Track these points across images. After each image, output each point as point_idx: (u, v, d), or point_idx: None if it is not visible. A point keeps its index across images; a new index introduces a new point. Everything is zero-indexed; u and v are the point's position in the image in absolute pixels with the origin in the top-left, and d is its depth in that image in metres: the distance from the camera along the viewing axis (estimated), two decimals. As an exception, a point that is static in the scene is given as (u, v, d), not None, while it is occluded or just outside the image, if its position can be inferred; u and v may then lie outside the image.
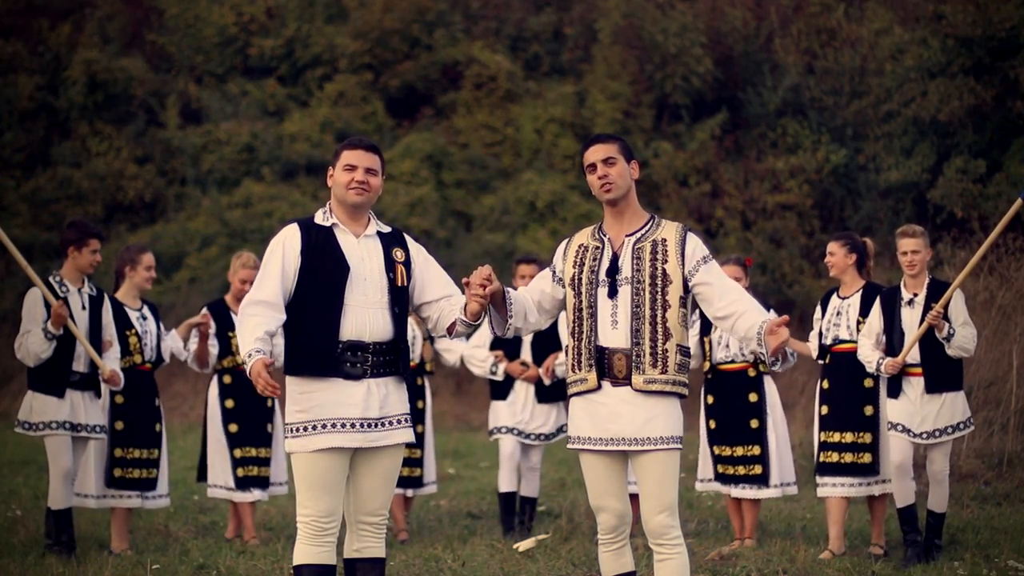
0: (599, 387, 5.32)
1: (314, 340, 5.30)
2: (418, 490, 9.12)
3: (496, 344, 9.12)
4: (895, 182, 19.92)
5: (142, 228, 20.97)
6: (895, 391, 7.92)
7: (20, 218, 20.52)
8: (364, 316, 5.33)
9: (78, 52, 21.94)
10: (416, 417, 8.84)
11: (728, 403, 8.45)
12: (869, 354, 7.93)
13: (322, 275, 5.34)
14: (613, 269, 5.36)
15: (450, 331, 5.48)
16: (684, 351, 5.37)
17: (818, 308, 8.39)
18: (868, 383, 8.11)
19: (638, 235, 5.40)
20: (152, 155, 21.86)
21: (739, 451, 8.43)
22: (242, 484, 8.74)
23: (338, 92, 22.03)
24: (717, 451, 8.51)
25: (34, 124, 21.65)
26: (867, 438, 8.08)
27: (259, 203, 20.57)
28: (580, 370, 5.37)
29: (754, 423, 8.41)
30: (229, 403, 8.78)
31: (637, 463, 5.32)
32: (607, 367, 5.31)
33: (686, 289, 5.36)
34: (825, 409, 8.24)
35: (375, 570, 5.41)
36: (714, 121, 21.43)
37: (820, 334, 8.29)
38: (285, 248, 5.37)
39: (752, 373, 8.46)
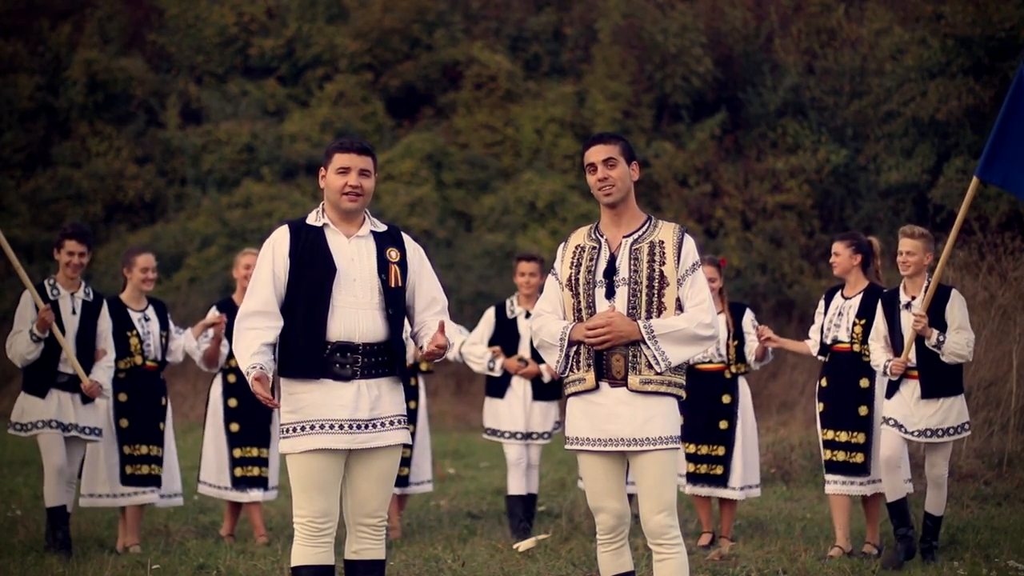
0: (597, 387, 5.32)
1: (303, 341, 5.27)
2: (404, 489, 9.07)
3: (494, 340, 9.11)
4: (895, 182, 19.91)
5: (142, 228, 20.98)
6: (891, 392, 7.79)
7: (20, 218, 20.52)
8: (354, 317, 5.29)
9: (78, 52, 21.94)
10: (407, 417, 8.82)
11: (701, 404, 8.42)
12: (878, 357, 7.78)
13: (310, 276, 5.31)
14: (610, 270, 5.34)
15: (420, 349, 5.49)
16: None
17: (821, 303, 8.32)
18: (864, 383, 8.07)
19: (635, 236, 5.38)
20: (152, 155, 21.87)
21: (703, 449, 8.48)
22: (239, 484, 8.79)
23: (338, 92, 22.03)
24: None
25: (34, 124, 21.65)
26: (860, 438, 8.04)
27: (259, 203, 20.57)
28: (578, 370, 5.37)
29: (723, 424, 8.44)
30: (232, 402, 8.81)
31: (635, 463, 5.31)
32: (605, 367, 5.31)
33: (682, 290, 5.38)
34: (822, 406, 8.22)
35: (375, 572, 5.40)
36: (714, 121, 21.42)
37: (821, 331, 8.22)
38: (275, 252, 5.34)
39: (728, 374, 8.47)
